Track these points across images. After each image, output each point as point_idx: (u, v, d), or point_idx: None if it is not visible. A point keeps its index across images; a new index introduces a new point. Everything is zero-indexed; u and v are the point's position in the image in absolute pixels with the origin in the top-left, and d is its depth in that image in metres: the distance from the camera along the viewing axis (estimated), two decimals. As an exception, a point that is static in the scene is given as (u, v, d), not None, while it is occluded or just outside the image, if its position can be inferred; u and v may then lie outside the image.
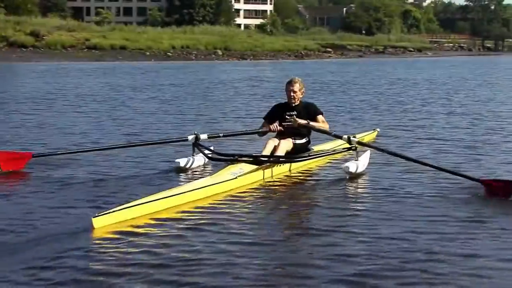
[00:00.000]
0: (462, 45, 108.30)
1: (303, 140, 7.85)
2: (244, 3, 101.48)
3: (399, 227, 5.51)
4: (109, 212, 5.40)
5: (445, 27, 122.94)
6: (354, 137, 7.81)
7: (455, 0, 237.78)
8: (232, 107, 15.95)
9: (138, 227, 5.44)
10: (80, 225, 5.45)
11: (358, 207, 6.21)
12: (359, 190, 7.02)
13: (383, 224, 5.60)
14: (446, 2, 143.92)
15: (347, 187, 7.11)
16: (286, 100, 8.00)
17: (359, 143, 7.73)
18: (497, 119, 13.61)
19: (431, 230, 5.46)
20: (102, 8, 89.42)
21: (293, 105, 7.90)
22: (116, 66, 38.28)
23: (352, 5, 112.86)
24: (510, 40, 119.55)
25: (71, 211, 5.97)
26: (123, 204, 5.64)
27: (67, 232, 5.30)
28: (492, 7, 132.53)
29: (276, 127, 7.78)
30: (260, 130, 8.13)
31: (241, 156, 7.35)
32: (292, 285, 4.29)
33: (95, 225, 5.28)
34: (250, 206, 6.23)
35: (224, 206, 6.16)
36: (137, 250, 4.88)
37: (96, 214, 5.36)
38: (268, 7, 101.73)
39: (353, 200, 6.60)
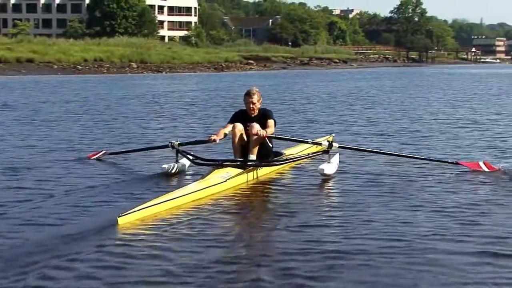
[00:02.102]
0: (387, 56, 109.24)
1: (269, 144, 8.10)
2: (168, 14, 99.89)
3: (376, 216, 6.03)
4: (132, 212, 5.84)
5: (371, 39, 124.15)
6: (330, 142, 8.29)
7: (380, 11, 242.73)
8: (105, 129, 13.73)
9: (157, 224, 5.79)
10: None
11: (338, 202, 6.80)
12: (337, 187, 7.52)
13: (361, 218, 5.99)
14: (371, 13, 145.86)
15: (325, 185, 7.63)
16: (245, 109, 8.16)
17: (341, 147, 8.36)
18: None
19: (410, 225, 5.76)
20: (20, 20, 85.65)
21: (252, 115, 8.07)
22: (10, 81, 35.17)
23: (278, 16, 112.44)
24: (434, 51, 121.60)
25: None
26: (142, 204, 6.05)
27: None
28: (416, 19, 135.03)
29: (215, 139, 7.96)
30: (206, 139, 8.35)
31: (225, 161, 7.83)
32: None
33: (120, 223, 5.67)
34: (245, 204, 6.79)
35: (230, 203, 6.75)
36: (157, 245, 5.13)
37: (121, 214, 5.75)
38: (193, 19, 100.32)
39: (333, 196, 7.19)
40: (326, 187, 7.54)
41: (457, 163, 8.50)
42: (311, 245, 5.14)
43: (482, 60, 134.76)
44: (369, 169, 8.44)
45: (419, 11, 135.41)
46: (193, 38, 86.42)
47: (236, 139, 7.89)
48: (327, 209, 6.46)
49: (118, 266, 4.67)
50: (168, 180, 7.84)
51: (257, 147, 7.87)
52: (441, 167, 8.45)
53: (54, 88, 30.19)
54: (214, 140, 7.94)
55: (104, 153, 9.43)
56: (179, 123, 14.87)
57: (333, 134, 10.50)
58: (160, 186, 7.49)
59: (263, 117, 8.05)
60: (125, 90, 28.62)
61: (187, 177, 8.09)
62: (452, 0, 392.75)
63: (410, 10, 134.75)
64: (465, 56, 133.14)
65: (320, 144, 8.33)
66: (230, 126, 8.01)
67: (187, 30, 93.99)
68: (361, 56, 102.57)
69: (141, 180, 7.86)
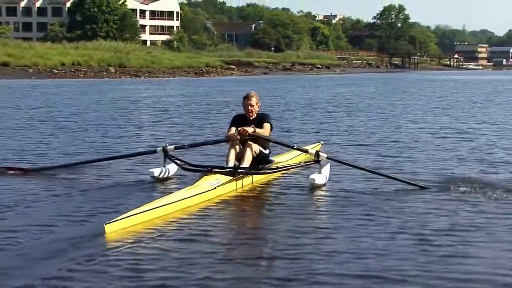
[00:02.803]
0: (370, 62, 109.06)
1: (266, 151, 8.12)
2: (150, 19, 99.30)
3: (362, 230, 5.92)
4: (119, 219, 5.71)
5: (354, 44, 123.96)
6: (319, 151, 8.20)
7: (363, 17, 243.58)
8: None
9: (145, 231, 5.72)
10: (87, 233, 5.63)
11: (327, 212, 6.77)
12: (327, 197, 7.44)
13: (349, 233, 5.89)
14: (355, 19, 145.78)
15: (312, 195, 7.56)
16: (244, 112, 8.22)
17: (329, 157, 8.15)
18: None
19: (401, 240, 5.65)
20: (0, 23, 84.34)
21: (251, 118, 8.14)
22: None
23: (260, 21, 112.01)
24: (417, 57, 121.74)
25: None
26: (129, 212, 5.93)
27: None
28: (399, 25, 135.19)
29: (235, 136, 7.85)
30: (224, 139, 8.21)
31: (215, 167, 7.72)
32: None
33: (107, 231, 5.55)
34: (236, 212, 6.83)
35: (220, 211, 6.68)
36: (147, 253, 5.13)
37: (108, 221, 5.62)
38: (175, 23, 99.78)
39: (322, 207, 7.10)
40: (315, 197, 7.49)
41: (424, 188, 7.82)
42: (299, 252, 5.21)
43: (464, 66, 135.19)
44: (359, 181, 8.24)
45: (402, 17, 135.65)
46: (175, 42, 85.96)
47: (232, 147, 7.91)
48: (316, 219, 6.49)
49: (106, 274, 4.66)
50: (156, 186, 7.79)
51: (251, 155, 7.86)
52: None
53: (25, 92, 29.23)
54: (235, 139, 7.88)
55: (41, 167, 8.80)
56: (144, 131, 14.09)
57: (322, 142, 10.33)
58: (147, 192, 7.42)
59: (261, 120, 8.14)
60: (97, 95, 27.74)
61: (175, 183, 8.01)
62: (435, 6, 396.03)
63: (393, 16, 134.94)
64: (448, 63, 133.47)
65: (306, 151, 8.28)
66: (233, 130, 8.02)
67: (169, 34, 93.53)
68: (344, 61, 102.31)
69: (127, 186, 7.81)
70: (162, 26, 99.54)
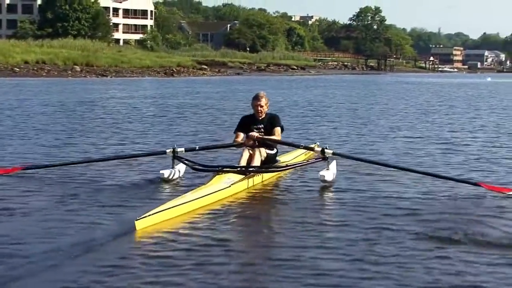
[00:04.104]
0: (346, 63, 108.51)
1: (273, 151, 8.37)
2: (123, 17, 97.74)
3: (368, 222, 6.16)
4: (149, 215, 5.92)
5: (330, 46, 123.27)
6: (324, 148, 8.39)
7: (339, 18, 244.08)
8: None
9: (172, 228, 5.90)
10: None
11: (339, 209, 6.88)
12: (338, 194, 7.57)
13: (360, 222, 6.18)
14: (331, 20, 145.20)
15: (323, 191, 7.75)
16: (253, 113, 8.47)
17: (335, 153, 8.38)
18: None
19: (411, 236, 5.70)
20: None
21: (260, 118, 8.37)
22: None
23: (236, 21, 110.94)
24: (393, 59, 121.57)
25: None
26: (156, 208, 6.11)
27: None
28: (375, 27, 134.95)
29: (248, 140, 8.21)
30: (234, 143, 8.54)
31: (225, 167, 8.05)
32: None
33: (137, 227, 5.73)
34: (253, 209, 6.96)
35: (239, 208, 6.91)
36: (175, 248, 5.28)
37: (138, 218, 5.79)
38: (149, 22, 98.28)
39: (333, 203, 7.27)
40: (326, 192, 7.72)
41: (476, 184, 7.75)
42: (326, 248, 5.34)
43: (440, 69, 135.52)
44: (367, 177, 8.50)
45: (378, 19, 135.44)
46: (148, 41, 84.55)
47: (245, 150, 8.16)
48: (330, 214, 6.68)
49: (140, 269, 4.76)
50: (169, 186, 7.95)
51: (262, 155, 8.11)
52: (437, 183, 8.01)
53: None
54: (246, 144, 8.22)
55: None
56: (75, 139, 12.67)
57: (317, 142, 10.27)
58: (163, 191, 7.65)
59: (270, 121, 8.37)
60: (51, 95, 26.44)
61: (186, 183, 8.15)
62: (411, 9, 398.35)
63: (369, 18, 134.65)
64: (424, 65, 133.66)
65: (312, 149, 8.64)
66: (241, 135, 8.34)
67: (142, 33, 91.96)
68: (320, 63, 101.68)
69: (138, 186, 7.93)
70: (135, 25, 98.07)
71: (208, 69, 65.07)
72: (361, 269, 4.82)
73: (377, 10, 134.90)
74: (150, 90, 33.43)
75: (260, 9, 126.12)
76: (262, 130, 8.31)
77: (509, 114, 20.67)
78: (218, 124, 15.83)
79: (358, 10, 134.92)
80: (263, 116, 8.38)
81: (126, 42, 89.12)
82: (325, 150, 8.29)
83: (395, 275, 4.69)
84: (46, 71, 48.55)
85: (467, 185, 7.68)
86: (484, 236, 5.69)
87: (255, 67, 78.49)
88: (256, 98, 8.38)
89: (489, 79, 74.70)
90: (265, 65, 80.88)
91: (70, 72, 49.61)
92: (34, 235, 5.55)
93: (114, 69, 53.60)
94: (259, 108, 8.33)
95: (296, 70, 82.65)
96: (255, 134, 8.18)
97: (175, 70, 59.46)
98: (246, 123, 8.41)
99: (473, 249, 5.34)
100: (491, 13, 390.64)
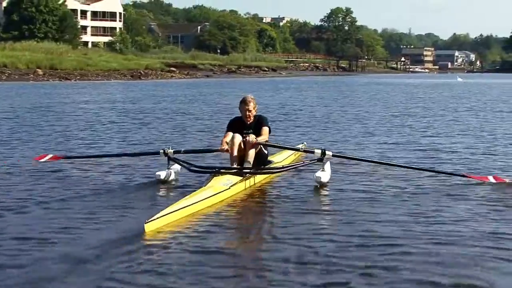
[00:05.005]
0: (317, 65, 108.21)
1: (265, 151, 8.34)
2: (91, 19, 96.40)
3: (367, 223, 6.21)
4: (158, 218, 5.95)
5: (301, 47, 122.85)
6: (323, 150, 8.38)
7: (310, 20, 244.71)
8: None
9: (180, 230, 5.92)
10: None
11: (336, 208, 6.91)
12: (333, 194, 7.64)
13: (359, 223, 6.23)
14: (302, 22, 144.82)
15: (317, 192, 7.81)
16: (240, 116, 8.39)
17: (334, 155, 8.56)
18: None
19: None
20: None
21: (248, 123, 8.30)
22: None
23: (207, 23, 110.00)
24: (364, 60, 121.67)
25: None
26: (164, 211, 6.16)
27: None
28: (346, 28, 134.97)
29: (226, 148, 8.11)
30: (217, 149, 8.52)
31: (222, 168, 8.00)
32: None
33: (146, 230, 5.74)
34: (257, 209, 7.03)
35: (236, 208, 6.97)
36: (185, 249, 5.30)
37: (147, 220, 5.79)
38: (118, 24, 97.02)
39: (328, 203, 7.32)
40: (322, 194, 7.75)
41: (463, 176, 8.44)
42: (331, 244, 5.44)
43: (411, 69, 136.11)
44: (361, 177, 8.64)
45: (349, 20, 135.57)
46: (117, 44, 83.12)
47: (235, 149, 8.02)
48: (328, 215, 6.65)
49: (151, 272, 4.74)
50: (165, 188, 7.96)
51: (254, 155, 8.05)
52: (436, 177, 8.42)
53: None
54: (227, 150, 8.11)
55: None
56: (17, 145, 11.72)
57: (305, 142, 10.36)
58: (160, 193, 7.65)
59: (258, 124, 8.27)
60: (4, 100, 24.97)
61: (182, 184, 8.20)
62: (382, 10, 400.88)
63: (340, 19, 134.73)
64: (395, 66, 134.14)
65: (312, 152, 8.49)
66: (230, 135, 8.14)
67: (111, 36, 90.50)
68: (291, 64, 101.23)
69: (132, 187, 7.96)
70: (104, 27, 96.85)
71: (177, 72, 63.96)
72: (361, 271, 4.83)
73: (348, 11, 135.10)
74: (112, 94, 32.03)
75: (231, 11, 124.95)
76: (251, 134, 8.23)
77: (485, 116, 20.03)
78: (174, 130, 14.79)
79: (329, 11, 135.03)
80: (252, 120, 8.29)
81: (95, 44, 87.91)
82: (326, 152, 8.30)
83: (394, 276, 4.75)
84: (6, 74, 46.90)
85: (455, 176, 8.41)
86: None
87: (226, 69, 77.77)
88: (244, 102, 8.26)
89: (459, 79, 75.01)
90: (236, 67, 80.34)
91: (32, 75, 47.98)
92: (28, 243, 5.40)
93: (79, 73, 52.09)
94: (247, 113, 8.23)
95: (267, 72, 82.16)
96: (253, 139, 8.03)
97: (142, 73, 58.19)
98: (234, 127, 8.27)
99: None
100: (460, 14, 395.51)
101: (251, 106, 8.20)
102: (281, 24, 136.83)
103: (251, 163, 8.03)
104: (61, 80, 47.50)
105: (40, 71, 49.01)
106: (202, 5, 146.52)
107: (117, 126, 15.70)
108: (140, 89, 36.92)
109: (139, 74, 56.97)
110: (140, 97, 28.91)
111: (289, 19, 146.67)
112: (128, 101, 26.14)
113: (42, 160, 9.25)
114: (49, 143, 12.17)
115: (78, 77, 49.86)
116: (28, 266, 4.80)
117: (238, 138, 8.04)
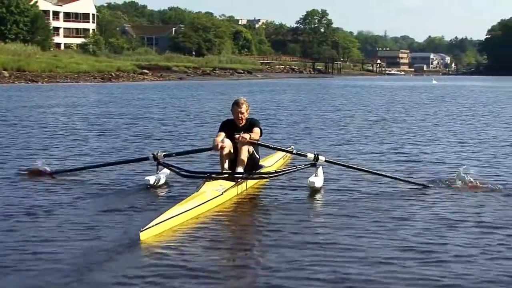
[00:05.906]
0: (293, 67, 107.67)
1: (257, 156, 8.24)
2: (64, 21, 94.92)
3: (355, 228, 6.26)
4: (153, 226, 5.94)
5: (277, 49, 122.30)
6: (317, 155, 8.35)
7: (286, 22, 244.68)
8: None
9: (175, 237, 5.93)
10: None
11: (327, 212, 7.04)
12: (327, 199, 7.70)
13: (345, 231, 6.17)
14: (278, 24, 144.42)
15: (311, 197, 7.84)
16: (233, 118, 8.27)
17: (327, 161, 8.50)
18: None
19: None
20: None
21: (240, 125, 8.18)
22: None
23: (181, 25, 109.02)
24: (340, 62, 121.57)
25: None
26: (158, 218, 6.09)
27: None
28: (322, 30, 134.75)
29: (220, 146, 7.89)
30: (208, 148, 8.33)
31: (213, 173, 7.94)
32: None
33: (141, 238, 5.72)
34: (248, 214, 7.06)
35: (230, 214, 6.97)
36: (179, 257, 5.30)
37: (142, 229, 5.76)
38: (91, 26, 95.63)
39: (322, 208, 7.36)
40: (316, 199, 7.73)
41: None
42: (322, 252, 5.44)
43: (387, 72, 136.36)
44: (352, 183, 8.59)
45: (325, 22, 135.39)
46: (90, 46, 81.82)
47: (224, 153, 7.90)
48: (322, 220, 6.65)
49: (146, 277, 4.76)
50: (156, 193, 7.81)
51: (246, 159, 7.93)
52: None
53: None
54: (222, 148, 7.90)
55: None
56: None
57: (292, 146, 10.13)
58: (151, 200, 7.49)
59: (250, 127, 8.13)
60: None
61: (173, 189, 8.08)
62: (357, 12, 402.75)
63: (316, 21, 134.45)
64: (371, 68, 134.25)
65: (305, 155, 8.38)
66: (222, 135, 8.01)
67: (84, 37, 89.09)
68: (267, 66, 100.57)
69: (122, 193, 7.82)
70: (77, 29, 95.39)
71: (150, 74, 62.90)
72: (359, 273, 4.91)
73: (324, 13, 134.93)
74: (81, 97, 30.99)
75: (206, 13, 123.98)
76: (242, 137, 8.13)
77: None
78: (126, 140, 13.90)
79: (305, 13, 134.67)
80: (244, 123, 8.17)
81: (67, 46, 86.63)
82: (319, 157, 8.25)
83: (393, 277, 4.82)
84: (-31, 77, 45.44)
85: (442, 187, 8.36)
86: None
87: (201, 71, 76.96)
88: (236, 104, 8.14)
89: (434, 82, 75.33)
90: (211, 69, 79.57)
91: (-4, 77, 46.51)
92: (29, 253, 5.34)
93: (48, 75, 50.74)
94: (240, 115, 8.11)
95: (243, 74, 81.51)
96: (246, 136, 7.89)
97: (113, 75, 57.00)
98: (226, 129, 8.13)
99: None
100: (435, 16, 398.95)
101: (243, 108, 8.08)
102: (256, 26, 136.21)
103: (243, 168, 7.93)
104: (28, 83, 46.09)
105: (6, 73, 47.55)
106: (177, 6, 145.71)
107: (78, 132, 14.77)
108: (107, 93, 35.64)
109: (109, 76, 55.80)
110: (106, 101, 27.81)
111: (264, 21, 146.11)
112: (93, 104, 25.08)
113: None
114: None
115: (46, 80, 48.51)
116: (17, 276, 4.76)
117: (228, 142, 7.93)
